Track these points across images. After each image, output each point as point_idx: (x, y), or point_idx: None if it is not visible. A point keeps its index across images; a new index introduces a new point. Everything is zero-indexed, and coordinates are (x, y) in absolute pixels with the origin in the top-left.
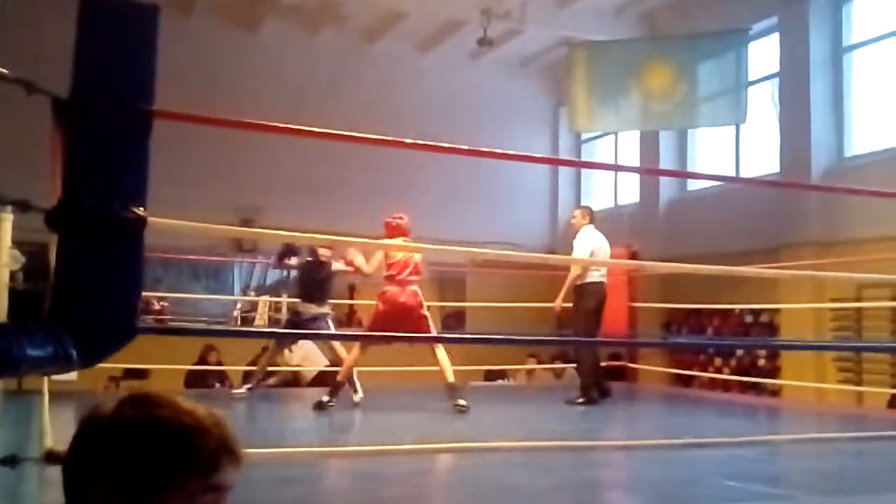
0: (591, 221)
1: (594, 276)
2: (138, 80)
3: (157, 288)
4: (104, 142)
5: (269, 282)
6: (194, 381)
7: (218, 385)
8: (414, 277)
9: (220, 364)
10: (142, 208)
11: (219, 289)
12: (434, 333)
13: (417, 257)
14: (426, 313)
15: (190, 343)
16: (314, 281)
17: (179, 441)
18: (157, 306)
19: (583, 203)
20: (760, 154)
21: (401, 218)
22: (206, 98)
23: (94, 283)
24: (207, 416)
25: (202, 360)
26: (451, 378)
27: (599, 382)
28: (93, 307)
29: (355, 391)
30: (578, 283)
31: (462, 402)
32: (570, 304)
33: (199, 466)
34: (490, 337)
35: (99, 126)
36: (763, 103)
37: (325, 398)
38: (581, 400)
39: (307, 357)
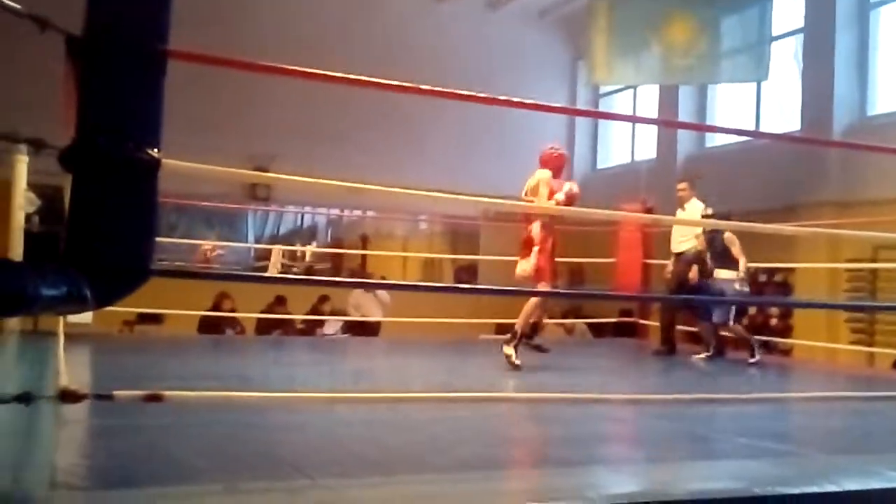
0: (695, 192)
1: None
2: (153, 18)
3: (171, 234)
4: (118, 81)
5: (282, 231)
6: (208, 327)
7: (231, 331)
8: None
9: (233, 311)
10: (156, 150)
11: (233, 237)
12: (530, 268)
13: (533, 183)
14: (535, 250)
15: (204, 290)
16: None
17: None
18: (209, 255)
19: (599, 160)
20: (781, 111)
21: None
22: (218, 43)
23: (107, 223)
24: None
25: (216, 307)
26: (516, 327)
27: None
28: (106, 248)
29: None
30: (678, 251)
31: (510, 351)
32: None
33: None
34: (504, 289)
35: (113, 65)
36: (786, 59)
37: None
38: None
39: (360, 306)
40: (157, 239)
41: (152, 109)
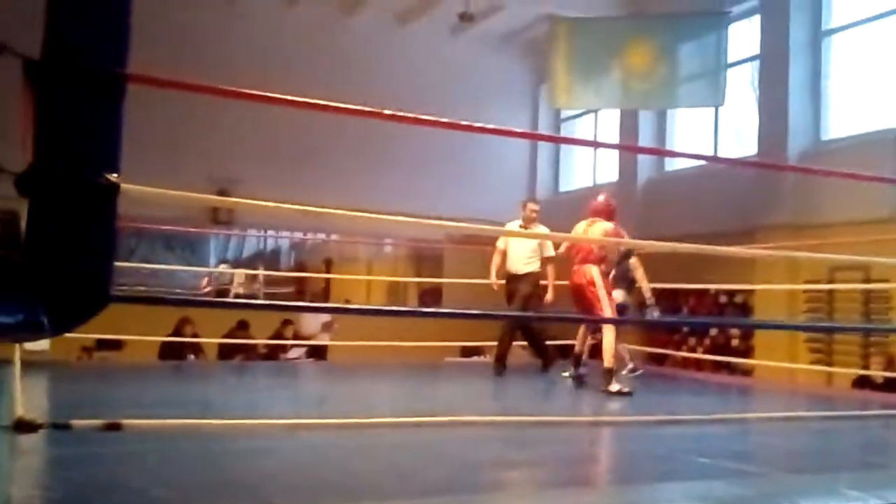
0: None
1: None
2: (112, 41)
3: (130, 259)
4: (76, 105)
5: (245, 255)
6: (169, 352)
7: (192, 357)
8: (588, 256)
9: (195, 336)
10: (115, 174)
11: (194, 261)
12: (606, 312)
13: (595, 235)
14: (599, 292)
15: (165, 315)
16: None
17: None
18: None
19: (560, 182)
20: (739, 136)
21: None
22: (182, 67)
23: (65, 249)
24: None
25: (177, 332)
26: (607, 363)
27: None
28: (64, 274)
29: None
30: (521, 272)
31: (615, 387)
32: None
33: None
34: (469, 312)
35: (71, 89)
36: (742, 85)
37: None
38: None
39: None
40: (117, 263)
41: (111, 133)
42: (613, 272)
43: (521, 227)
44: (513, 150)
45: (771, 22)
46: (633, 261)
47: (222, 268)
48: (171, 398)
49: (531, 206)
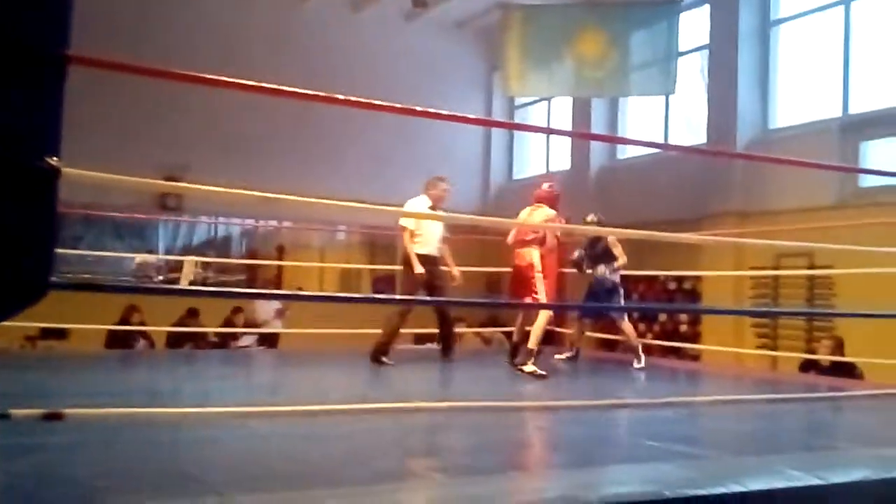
0: None
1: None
2: (52, 21)
3: (77, 246)
4: (14, 87)
5: (195, 242)
6: (116, 341)
7: (140, 345)
8: (529, 239)
9: (142, 324)
10: (56, 158)
11: (143, 248)
12: (541, 296)
13: (536, 220)
14: (536, 276)
15: (112, 303)
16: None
17: None
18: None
19: (514, 169)
20: (689, 124)
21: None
22: (133, 51)
23: (2, 234)
24: None
25: (124, 321)
26: (531, 344)
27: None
28: (1, 261)
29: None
30: (438, 254)
31: (530, 368)
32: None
33: None
34: (422, 299)
35: (8, 70)
36: (693, 74)
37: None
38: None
39: (253, 311)
40: (61, 251)
41: (52, 116)
42: (588, 252)
43: (430, 207)
44: (466, 138)
45: (720, 11)
46: (612, 239)
47: (153, 255)
48: (118, 387)
49: (443, 185)
